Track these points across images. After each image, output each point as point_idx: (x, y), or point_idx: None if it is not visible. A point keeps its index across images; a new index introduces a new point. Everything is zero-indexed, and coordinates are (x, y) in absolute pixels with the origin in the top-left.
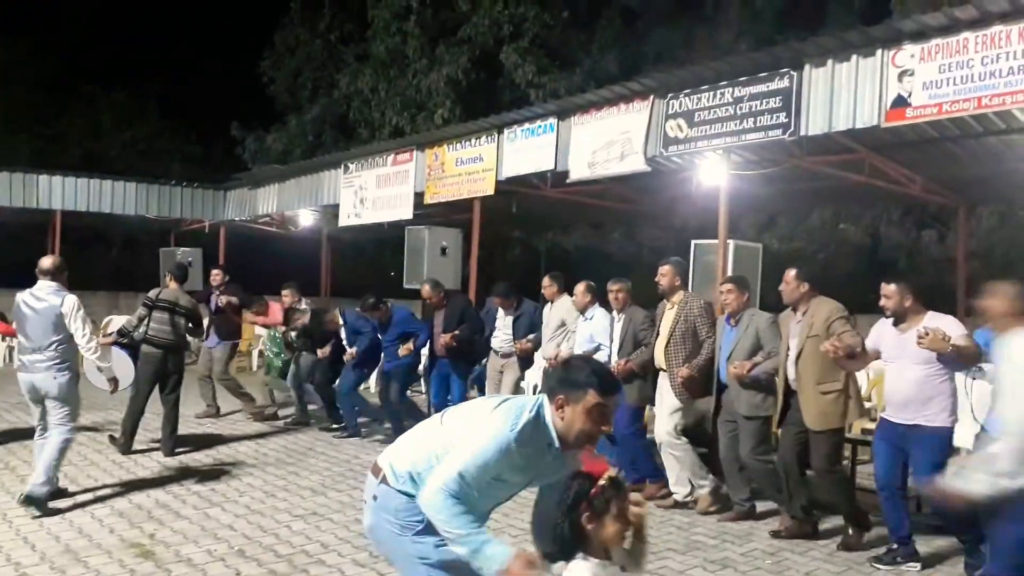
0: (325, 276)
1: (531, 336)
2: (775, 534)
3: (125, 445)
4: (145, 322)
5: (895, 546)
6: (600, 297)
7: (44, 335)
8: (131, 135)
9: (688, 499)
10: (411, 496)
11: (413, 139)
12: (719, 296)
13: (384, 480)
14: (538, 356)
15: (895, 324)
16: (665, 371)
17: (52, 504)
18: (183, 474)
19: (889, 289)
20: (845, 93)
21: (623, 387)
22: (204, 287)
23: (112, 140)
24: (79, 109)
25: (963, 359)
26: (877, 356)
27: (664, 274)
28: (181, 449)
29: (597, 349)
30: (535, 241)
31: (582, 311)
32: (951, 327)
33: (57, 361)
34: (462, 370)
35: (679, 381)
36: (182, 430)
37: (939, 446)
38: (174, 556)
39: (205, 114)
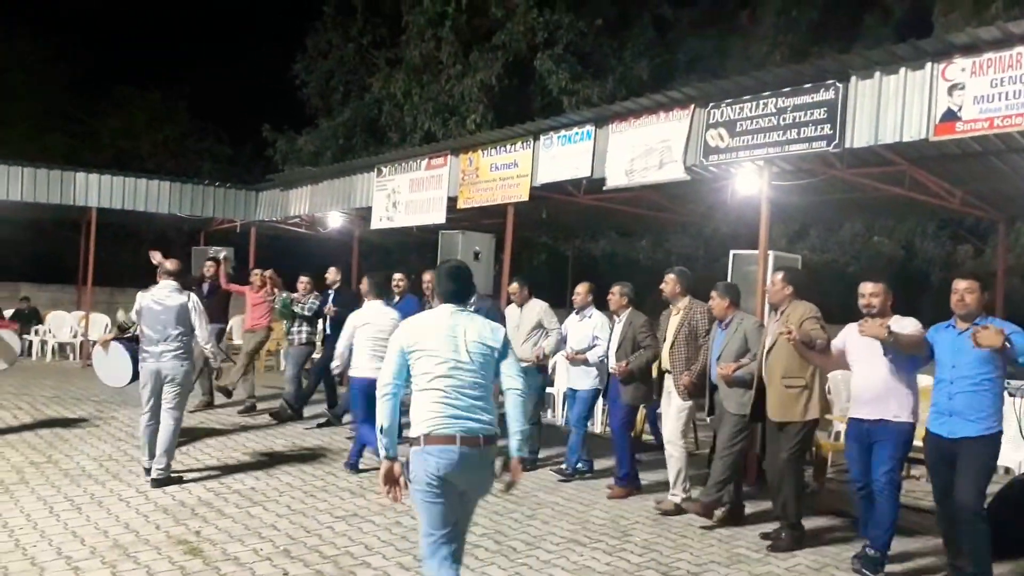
0: (356, 277)
1: None
2: (765, 536)
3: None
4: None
5: (874, 552)
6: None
7: (170, 328)
8: (163, 135)
9: (686, 500)
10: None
11: (448, 144)
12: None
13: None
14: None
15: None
16: (670, 373)
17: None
18: (222, 471)
19: (878, 288)
20: (893, 106)
21: (621, 387)
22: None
23: (144, 140)
24: (112, 109)
25: (903, 347)
26: (842, 358)
27: (667, 282)
28: (211, 445)
29: (593, 346)
30: (562, 247)
31: (580, 310)
32: (909, 325)
33: (183, 351)
34: None
35: (682, 386)
36: (216, 428)
37: (901, 441)
38: (221, 554)
39: (236, 115)
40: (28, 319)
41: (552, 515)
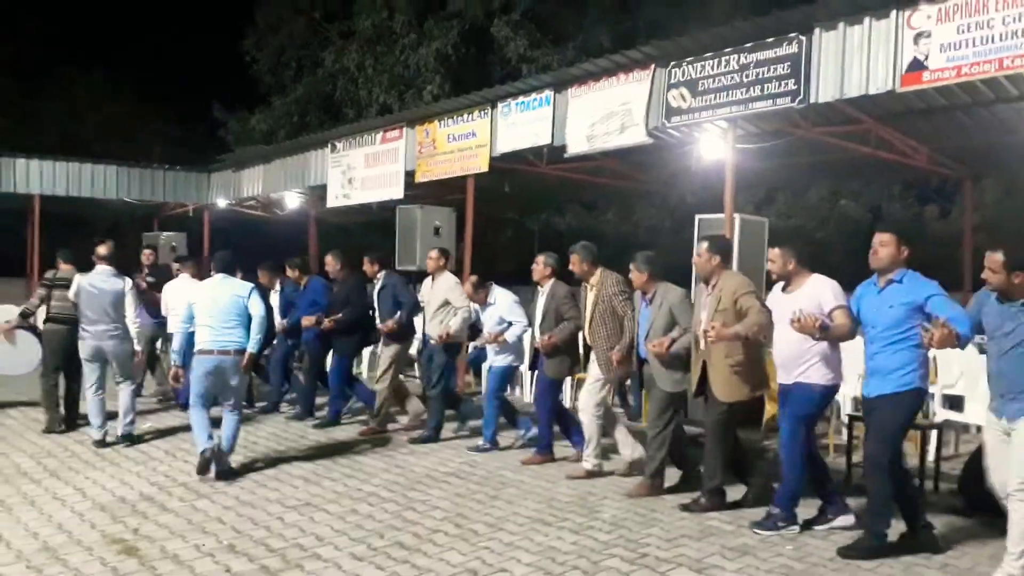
0: (313, 260)
1: (396, 316)
2: (685, 507)
3: (52, 422)
4: (47, 301)
5: (776, 510)
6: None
7: (110, 310)
8: (109, 116)
9: (596, 468)
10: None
11: (403, 115)
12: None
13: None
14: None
15: (784, 288)
16: (591, 347)
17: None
18: (169, 464)
19: (773, 253)
20: (858, 57)
21: (546, 360)
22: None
23: (89, 122)
24: (54, 91)
25: (833, 339)
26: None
27: (573, 262)
28: (148, 433)
29: (508, 326)
30: (528, 222)
31: (483, 302)
32: (828, 295)
33: (121, 331)
34: (343, 348)
35: (615, 364)
36: (166, 417)
37: (804, 400)
38: (159, 552)
39: (186, 95)
40: None
41: (516, 494)
